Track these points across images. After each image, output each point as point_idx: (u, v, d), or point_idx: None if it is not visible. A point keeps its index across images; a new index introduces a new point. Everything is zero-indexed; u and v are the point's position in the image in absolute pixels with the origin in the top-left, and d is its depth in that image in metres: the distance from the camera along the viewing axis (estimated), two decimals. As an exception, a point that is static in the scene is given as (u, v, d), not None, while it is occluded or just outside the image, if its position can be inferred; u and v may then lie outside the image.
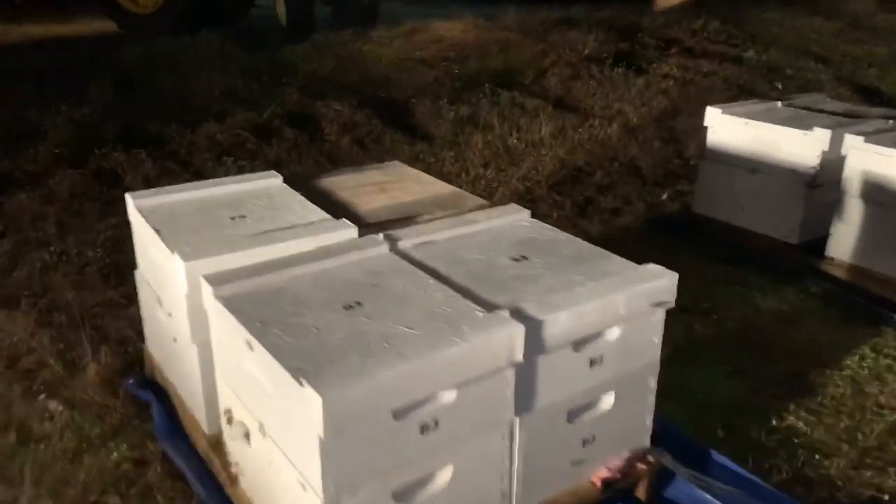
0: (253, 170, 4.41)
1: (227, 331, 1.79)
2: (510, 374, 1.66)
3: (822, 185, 3.48)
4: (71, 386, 2.53)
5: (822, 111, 3.84)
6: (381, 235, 2.12)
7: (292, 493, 1.61)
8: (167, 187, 2.50)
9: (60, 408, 2.43)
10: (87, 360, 2.63)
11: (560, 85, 6.93)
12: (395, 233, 2.14)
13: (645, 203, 4.46)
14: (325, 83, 6.28)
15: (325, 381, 1.42)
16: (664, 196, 4.55)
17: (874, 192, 3.23)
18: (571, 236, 2.21)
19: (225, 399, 1.93)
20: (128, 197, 2.38)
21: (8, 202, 3.72)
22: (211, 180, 2.58)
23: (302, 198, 2.42)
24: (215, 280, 1.84)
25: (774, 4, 14.18)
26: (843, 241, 3.39)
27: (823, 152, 3.40)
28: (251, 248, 2.03)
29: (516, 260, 2.03)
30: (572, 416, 1.87)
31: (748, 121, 3.67)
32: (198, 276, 1.90)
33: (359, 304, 1.76)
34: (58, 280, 3.17)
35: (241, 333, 1.67)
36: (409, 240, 2.12)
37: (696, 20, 11.21)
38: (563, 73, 7.30)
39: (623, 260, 2.01)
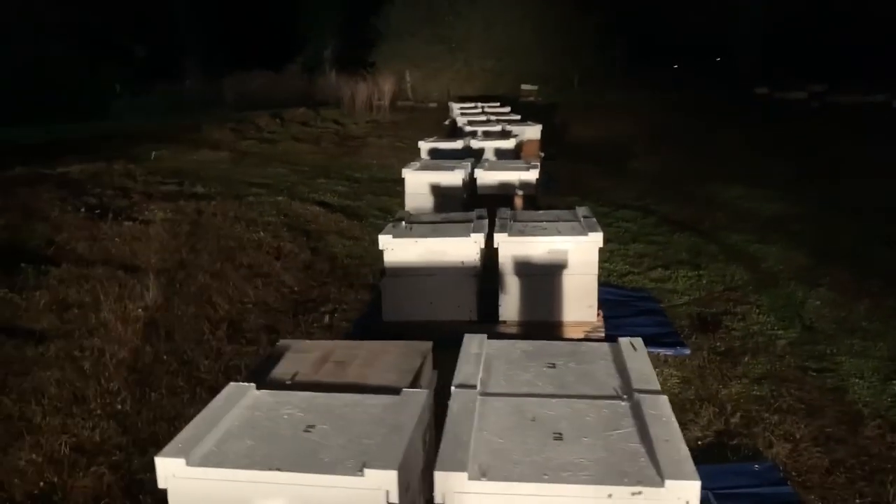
0: None
1: None
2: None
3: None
4: None
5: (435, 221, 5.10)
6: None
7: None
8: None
9: None
10: None
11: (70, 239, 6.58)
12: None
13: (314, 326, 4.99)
14: None
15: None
16: (326, 320, 5.14)
17: (522, 267, 4.63)
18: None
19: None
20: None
21: None
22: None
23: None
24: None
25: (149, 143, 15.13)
26: (508, 306, 4.70)
27: (482, 249, 4.65)
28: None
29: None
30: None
31: (417, 239, 4.66)
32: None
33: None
34: None
35: None
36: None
37: (109, 168, 11.32)
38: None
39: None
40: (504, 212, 5.30)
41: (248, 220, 7.86)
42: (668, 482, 1.92)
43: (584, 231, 4.64)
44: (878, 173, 10.67)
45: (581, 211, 5.29)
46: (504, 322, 4.74)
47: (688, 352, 4.58)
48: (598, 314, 4.75)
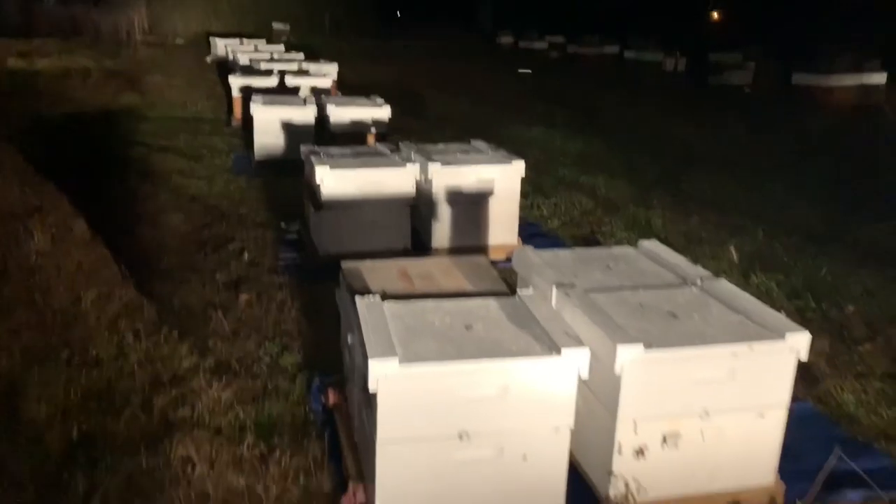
0: None
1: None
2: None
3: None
4: None
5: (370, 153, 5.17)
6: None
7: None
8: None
9: None
10: None
11: None
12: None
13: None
14: None
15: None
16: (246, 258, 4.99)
17: (452, 196, 4.93)
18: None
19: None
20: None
21: None
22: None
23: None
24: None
25: None
26: (440, 234, 5.00)
27: (416, 180, 4.85)
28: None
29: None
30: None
31: (355, 170, 4.73)
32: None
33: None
34: None
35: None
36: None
37: None
38: None
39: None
40: (408, 144, 5.51)
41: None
42: (787, 335, 2.46)
43: (507, 159, 5.06)
44: (625, 112, 12.65)
45: (478, 143, 5.69)
46: (436, 250, 5.02)
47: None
48: (518, 238, 5.24)
